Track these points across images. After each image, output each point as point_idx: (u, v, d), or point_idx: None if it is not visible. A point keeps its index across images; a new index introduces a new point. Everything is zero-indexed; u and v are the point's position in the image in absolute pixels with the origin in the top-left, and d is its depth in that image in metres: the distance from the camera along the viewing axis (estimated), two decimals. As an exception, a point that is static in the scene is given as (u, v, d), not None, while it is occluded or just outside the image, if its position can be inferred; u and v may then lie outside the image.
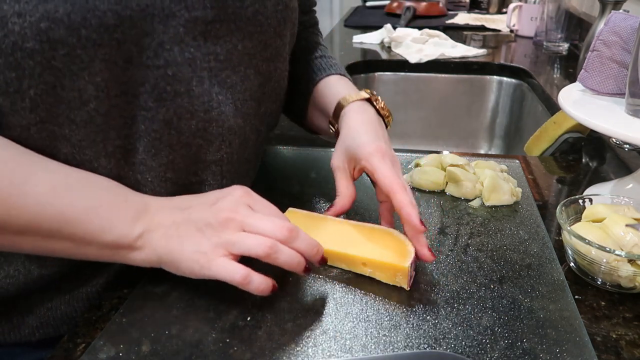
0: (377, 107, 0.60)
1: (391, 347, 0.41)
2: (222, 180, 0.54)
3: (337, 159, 0.57)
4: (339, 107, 0.60)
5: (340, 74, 0.67)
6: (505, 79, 1.33)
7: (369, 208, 0.62)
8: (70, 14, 0.39)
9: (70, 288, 0.52)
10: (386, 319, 0.44)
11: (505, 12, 1.80)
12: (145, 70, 0.44)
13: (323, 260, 0.47)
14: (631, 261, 0.46)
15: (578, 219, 0.53)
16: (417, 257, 0.49)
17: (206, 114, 0.49)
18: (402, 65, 1.36)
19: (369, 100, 0.60)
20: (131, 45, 0.43)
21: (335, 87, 0.64)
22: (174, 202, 0.47)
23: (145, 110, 0.46)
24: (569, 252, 0.51)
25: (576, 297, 0.48)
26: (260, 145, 0.60)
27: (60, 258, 0.49)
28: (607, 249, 0.46)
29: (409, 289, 0.47)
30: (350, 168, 0.56)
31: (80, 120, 0.44)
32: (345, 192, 0.55)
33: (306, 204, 0.62)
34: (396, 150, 0.78)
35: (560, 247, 0.53)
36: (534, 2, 1.58)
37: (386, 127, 0.61)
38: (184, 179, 0.51)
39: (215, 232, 0.43)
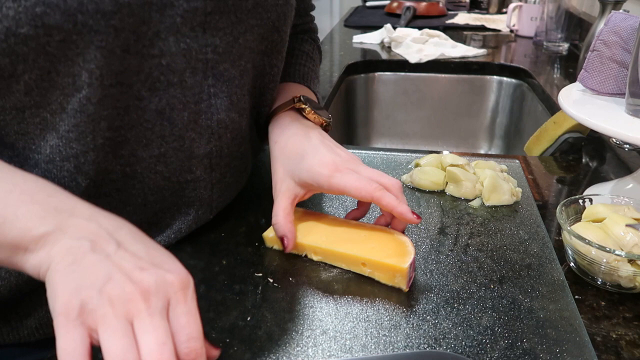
0: (305, 115, 0.57)
1: (391, 347, 0.41)
2: (212, 173, 0.53)
3: (281, 183, 0.53)
4: (270, 117, 0.59)
5: (298, 83, 0.65)
6: (505, 79, 1.33)
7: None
8: None
9: None
10: (386, 319, 0.44)
11: (505, 12, 1.80)
12: (141, 59, 0.44)
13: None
14: (631, 261, 0.46)
15: (578, 219, 0.53)
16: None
17: (196, 105, 0.49)
18: (402, 65, 1.36)
19: (299, 109, 0.58)
20: (129, 34, 0.42)
21: (280, 94, 0.62)
22: (105, 224, 0.37)
23: (138, 99, 0.46)
24: (569, 252, 0.51)
25: (576, 297, 0.48)
26: (256, 142, 0.60)
27: None
28: (607, 249, 0.46)
29: (407, 290, 0.47)
30: (299, 193, 0.53)
31: (72, 109, 0.43)
32: (285, 223, 0.51)
33: (305, 204, 0.62)
34: (396, 150, 0.78)
35: (560, 247, 0.53)
36: (534, 2, 1.58)
37: (326, 129, 0.59)
38: (178, 175, 0.51)
39: (108, 305, 0.32)
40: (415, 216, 0.49)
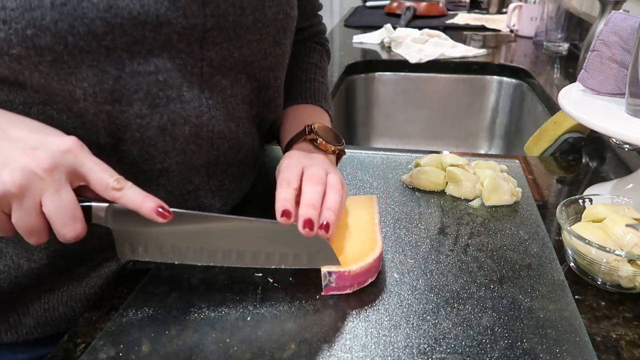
0: (317, 145, 0.59)
1: (391, 347, 0.41)
2: (209, 181, 0.53)
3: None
4: (286, 149, 0.60)
5: (310, 103, 0.66)
6: (505, 79, 1.33)
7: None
8: (57, 21, 0.39)
9: (66, 288, 0.52)
10: (386, 319, 0.44)
11: (505, 12, 1.80)
12: (137, 77, 0.44)
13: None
14: (631, 261, 0.46)
15: (578, 219, 0.53)
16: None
17: (198, 119, 0.49)
18: (402, 65, 1.36)
19: (311, 141, 0.59)
20: (122, 53, 0.42)
21: (293, 121, 0.63)
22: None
23: (140, 117, 0.45)
24: (569, 252, 0.51)
25: (576, 297, 0.48)
26: (257, 149, 0.60)
27: (47, 250, 0.49)
28: (607, 249, 0.46)
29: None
30: None
31: (77, 110, 0.44)
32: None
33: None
34: (396, 150, 0.78)
35: (560, 247, 0.53)
36: (534, 2, 1.58)
37: (338, 159, 0.61)
38: (180, 187, 0.51)
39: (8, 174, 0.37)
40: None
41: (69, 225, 0.40)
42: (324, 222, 0.45)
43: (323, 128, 0.60)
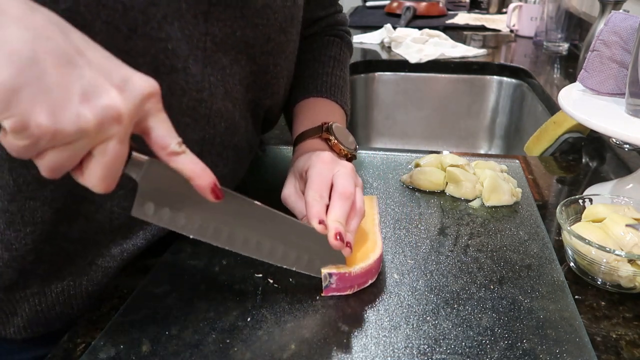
0: (331, 145, 0.58)
1: (391, 348, 0.41)
2: (202, 159, 0.53)
3: (287, 188, 0.54)
4: (297, 141, 0.60)
5: (326, 97, 0.65)
6: (505, 79, 1.33)
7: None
8: None
9: (61, 290, 0.51)
10: (386, 320, 0.44)
11: (505, 12, 1.80)
12: (148, 41, 0.44)
13: None
14: (631, 261, 0.46)
15: (578, 219, 0.53)
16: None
17: (198, 93, 0.49)
18: (402, 65, 1.36)
19: (325, 139, 0.59)
20: (138, 14, 0.42)
21: (306, 114, 0.63)
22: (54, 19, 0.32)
23: None
24: (569, 252, 0.51)
25: (576, 297, 0.48)
26: (252, 135, 0.60)
27: (33, 235, 0.47)
28: (607, 249, 0.46)
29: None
30: (299, 184, 0.54)
31: None
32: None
33: (306, 204, 0.62)
34: (396, 150, 0.78)
35: (560, 247, 0.53)
36: (534, 2, 1.58)
37: (350, 160, 0.61)
38: None
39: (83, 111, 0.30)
40: (336, 238, 0.45)
41: (107, 179, 0.34)
42: (346, 242, 0.46)
43: (338, 129, 0.60)
